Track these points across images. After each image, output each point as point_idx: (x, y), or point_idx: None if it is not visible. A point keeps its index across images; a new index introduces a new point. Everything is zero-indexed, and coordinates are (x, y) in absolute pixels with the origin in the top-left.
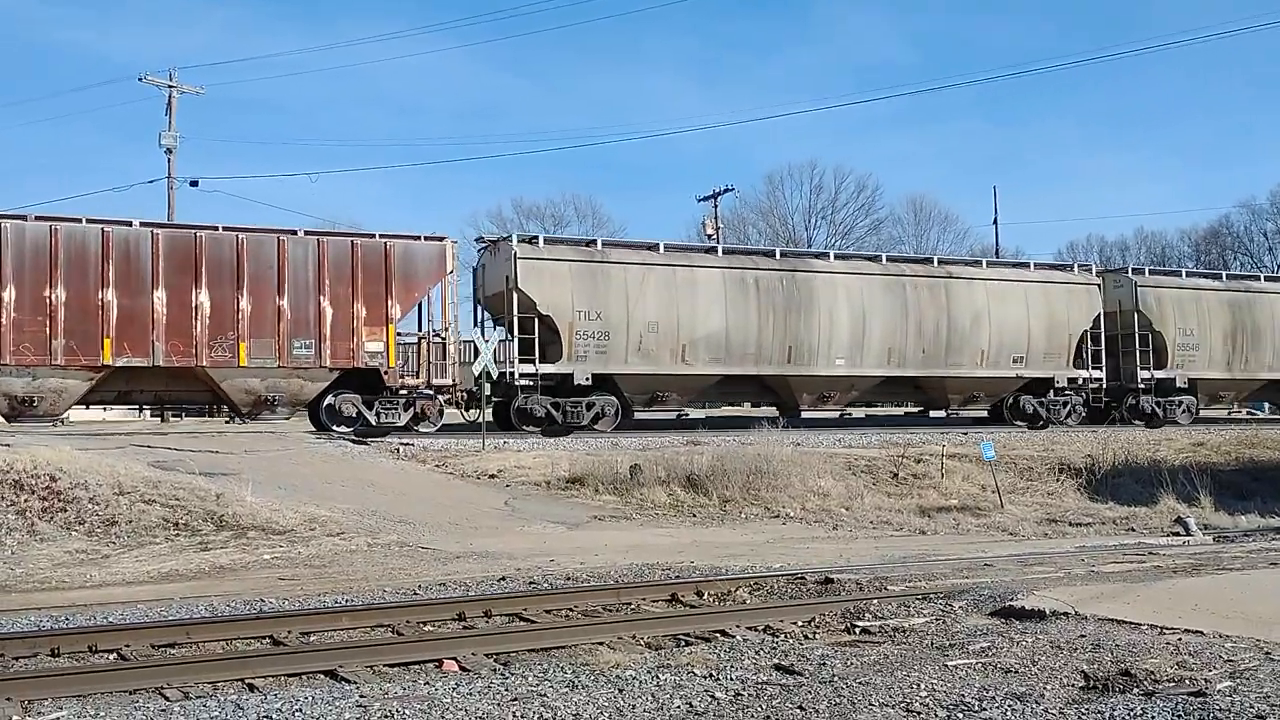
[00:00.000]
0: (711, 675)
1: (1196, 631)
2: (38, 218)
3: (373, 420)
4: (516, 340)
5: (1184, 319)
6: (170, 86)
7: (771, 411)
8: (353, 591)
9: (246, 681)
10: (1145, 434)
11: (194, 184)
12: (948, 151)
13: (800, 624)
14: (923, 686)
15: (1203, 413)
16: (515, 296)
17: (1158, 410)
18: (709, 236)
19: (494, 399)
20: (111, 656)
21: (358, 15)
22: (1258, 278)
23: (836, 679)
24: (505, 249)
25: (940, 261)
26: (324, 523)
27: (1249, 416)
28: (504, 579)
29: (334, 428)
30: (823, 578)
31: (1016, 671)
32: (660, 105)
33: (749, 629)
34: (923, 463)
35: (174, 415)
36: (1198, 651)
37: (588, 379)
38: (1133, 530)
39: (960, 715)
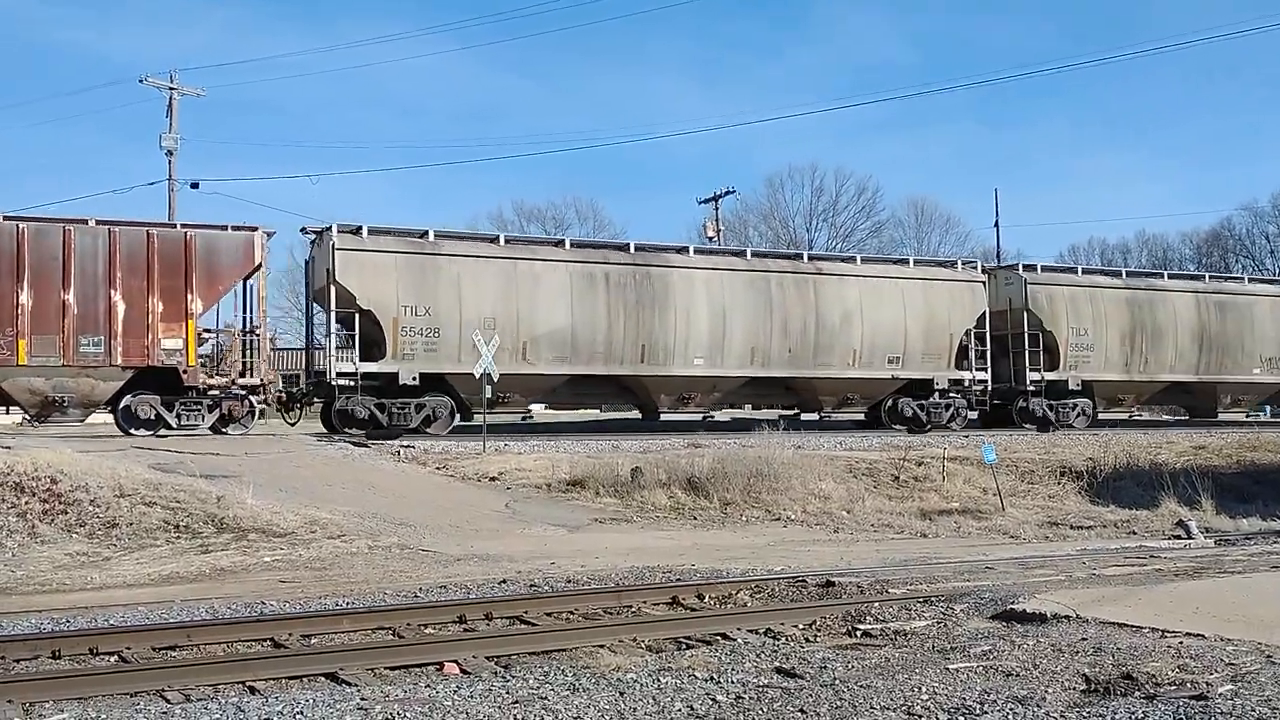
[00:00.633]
0: (713, 678)
1: (1198, 635)
2: None
3: (172, 423)
4: (333, 337)
5: (1078, 318)
6: (171, 88)
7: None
8: (353, 594)
9: (247, 684)
10: (1146, 437)
11: (195, 186)
12: (948, 153)
13: (801, 627)
14: (924, 690)
15: (1102, 416)
16: (334, 290)
17: (1049, 413)
18: (709, 239)
19: (315, 400)
20: (112, 659)
21: (358, 17)
22: (1161, 275)
23: (837, 682)
24: (327, 240)
25: (810, 258)
26: (324, 525)
27: (1151, 420)
28: (505, 582)
29: (131, 431)
30: (824, 581)
31: (1018, 675)
32: (661, 107)
33: (750, 632)
34: (924, 465)
35: None
36: (1199, 655)
37: (415, 379)
38: (1134, 533)
39: (961, 719)
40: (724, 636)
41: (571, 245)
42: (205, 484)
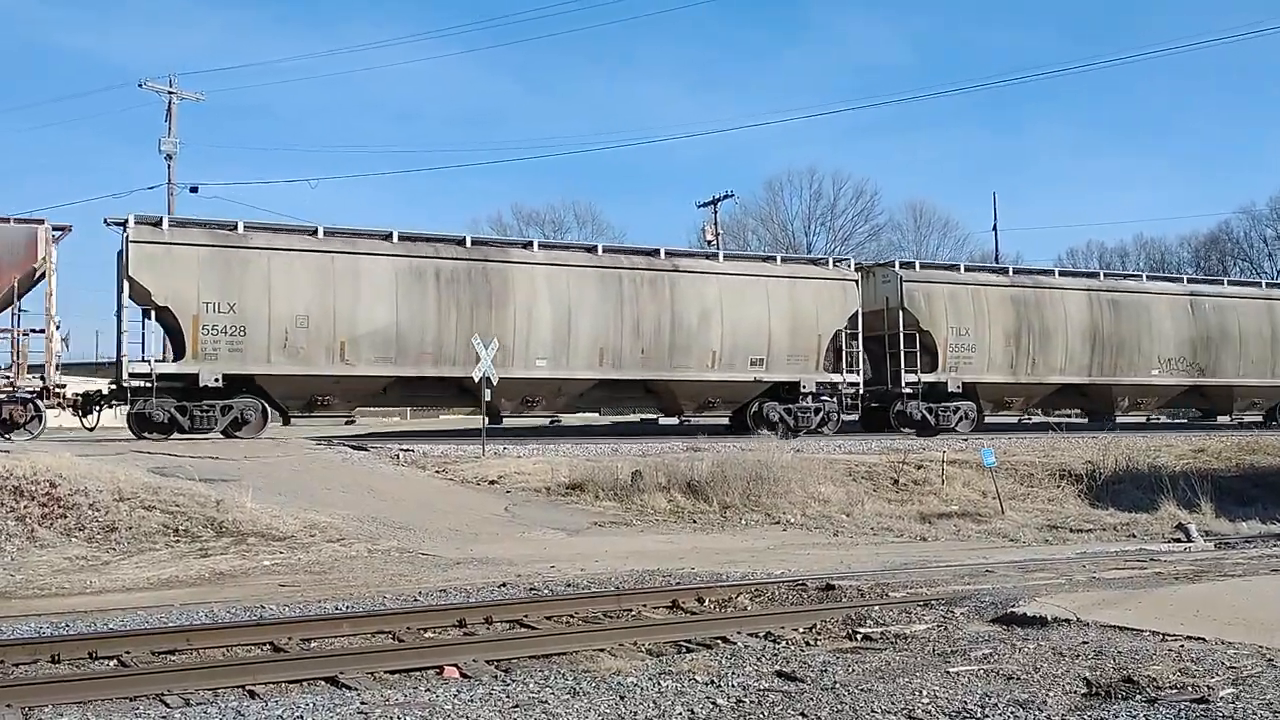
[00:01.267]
0: (713, 682)
1: (1199, 638)
2: None
3: None
4: (125, 336)
5: (958, 317)
6: (170, 93)
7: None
8: (353, 598)
9: (247, 688)
10: (1146, 440)
11: (194, 190)
12: (947, 156)
13: (802, 631)
14: (925, 693)
15: (990, 420)
16: (128, 285)
17: (929, 417)
18: (708, 242)
19: (114, 404)
20: (112, 663)
21: (356, 21)
22: (1051, 273)
23: (838, 686)
24: (125, 232)
25: (667, 254)
26: (324, 529)
27: (1041, 423)
28: (504, 585)
29: None
30: (824, 584)
31: (1018, 678)
32: (660, 111)
33: (750, 635)
34: (923, 469)
35: None
36: (1200, 658)
37: (217, 380)
38: (1134, 536)
39: None
40: (724, 640)
41: (399, 238)
42: (204, 488)
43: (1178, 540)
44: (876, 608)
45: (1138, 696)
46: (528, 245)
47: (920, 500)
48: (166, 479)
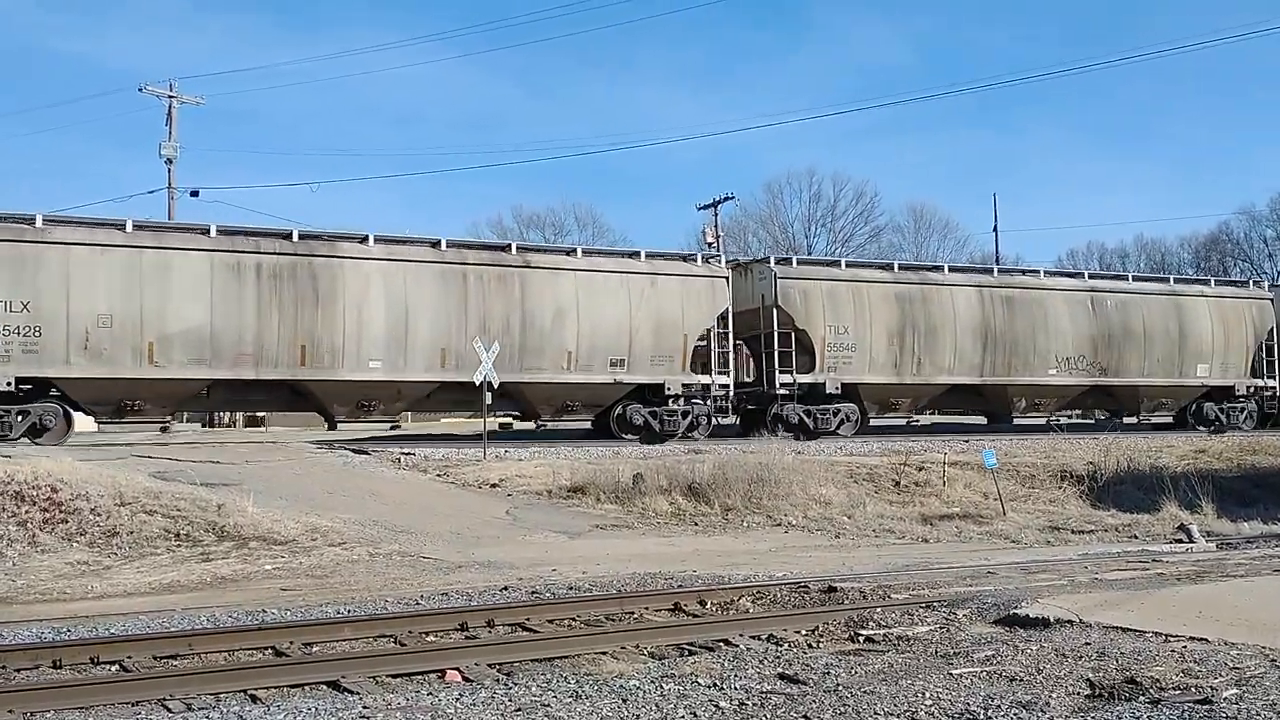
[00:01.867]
0: (716, 684)
1: (1201, 639)
2: None
3: None
4: None
5: (837, 315)
6: (170, 97)
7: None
8: (355, 602)
9: (249, 693)
10: (1147, 440)
11: (194, 194)
12: (947, 158)
13: (804, 633)
14: (927, 695)
15: (876, 422)
16: None
17: (806, 420)
18: (709, 244)
19: None
20: (114, 668)
21: (355, 25)
22: (940, 269)
23: (841, 688)
24: None
25: (519, 249)
26: (325, 533)
27: (931, 425)
28: (506, 589)
29: None
30: (826, 586)
31: (1021, 680)
32: (661, 114)
33: (753, 638)
34: (924, 471)
35: None
36: (1203, 659)
37: (9, 384)
38: (1135, 537)
39: None
40: (727, 643)
41: (218, 232)
42: (206, 492)
43: (1179, 541)
44: (879, 610)
45: (1141, 698)
46: (362, 240)
47: (922, 502)
48: (168, 483)
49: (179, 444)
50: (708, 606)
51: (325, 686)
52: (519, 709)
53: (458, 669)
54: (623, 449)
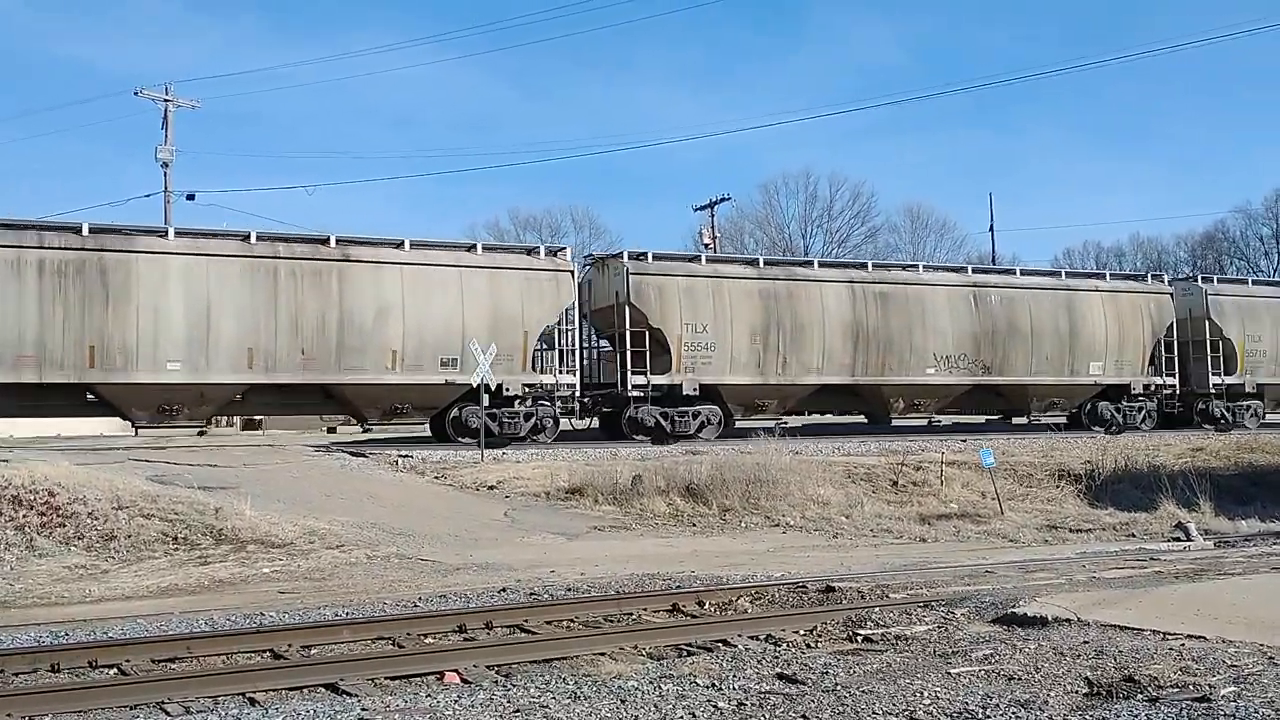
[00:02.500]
0: (714, 685)
1: (1199, 637)
2: None
3: None
4: None
5: (695, 313)
6: (166, 100)
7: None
8: (353, 604)
9: (247, 695)
10: (1144, 439)
11: (190, 197)
12: (946, 158)
13: (802, 633)
14: (926, 695)
15: (741, 424)
16: None
17: (663, 423)
18: (705, 246)
19: None
20: (111, 672)
21: (353, 28)
22: (810, 264)
23: (839, 688)
24: None
25: (338, 241)
26: (323, 535)
27: (803, 426)
28: (504, 590)
29: None
30: (824, 586)
31: (1019, 679)
32: (658, 115)
33: (751, 638)
34: (922, 470)
35: None
36: (1201, 657)
37: None
38: (1133, 536)
39: None
40: (725, 643)
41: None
42: (203, 495)
43: (1177, 539)
44: (877, 609)
45: (1139, 696)
46: (162, 234)
47: (919, 501)
48: (165, 487)
49: (176, 447)
50: (706, 607)
51: (324, 689)
52: (517, 710)
53: (456, 671)
54: (620, 450)
